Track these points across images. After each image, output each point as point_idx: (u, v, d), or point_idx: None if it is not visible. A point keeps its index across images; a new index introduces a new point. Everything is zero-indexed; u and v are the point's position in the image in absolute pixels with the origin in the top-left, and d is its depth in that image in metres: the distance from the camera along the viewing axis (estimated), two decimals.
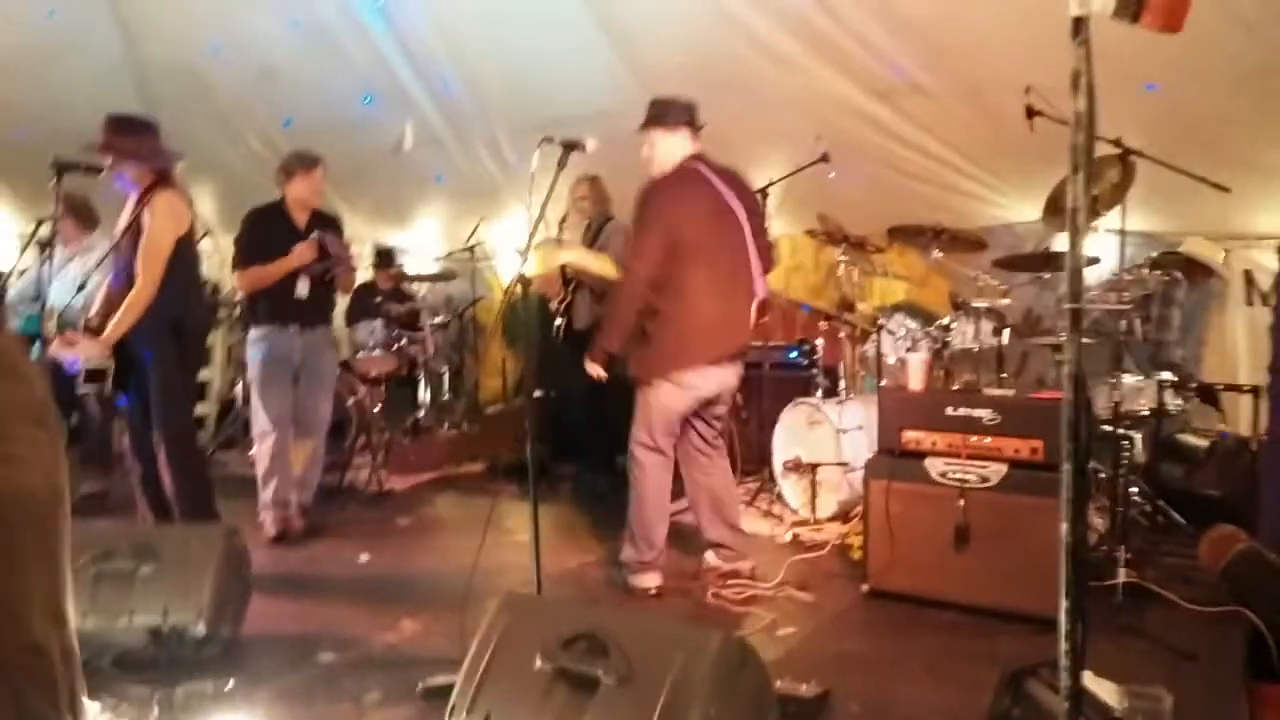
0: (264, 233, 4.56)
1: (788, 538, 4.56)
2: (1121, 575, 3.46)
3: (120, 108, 4.41)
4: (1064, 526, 1.71)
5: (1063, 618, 1.80)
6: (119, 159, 3.88)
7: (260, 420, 4.52)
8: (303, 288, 4.53)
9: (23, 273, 5.53)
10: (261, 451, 4.54)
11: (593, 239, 5.69)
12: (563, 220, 5.81)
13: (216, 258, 7.35)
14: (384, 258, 7.04)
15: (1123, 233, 3.66)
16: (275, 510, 4.51)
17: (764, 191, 5.12)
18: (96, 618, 2.74)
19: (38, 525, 1.30)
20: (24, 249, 5.22)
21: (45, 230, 4.80)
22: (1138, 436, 4.14)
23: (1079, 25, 1.47)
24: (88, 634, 2.74)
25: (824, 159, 5.03)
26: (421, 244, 7.78)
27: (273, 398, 4.52)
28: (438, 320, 6.66)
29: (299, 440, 4.65)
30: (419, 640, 3.30)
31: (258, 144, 7.37)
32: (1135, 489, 4.28)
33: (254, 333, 4.56)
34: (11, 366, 1.33)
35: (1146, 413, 4.09)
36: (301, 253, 4.49)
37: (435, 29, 6.03)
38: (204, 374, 6.74)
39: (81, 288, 4.60)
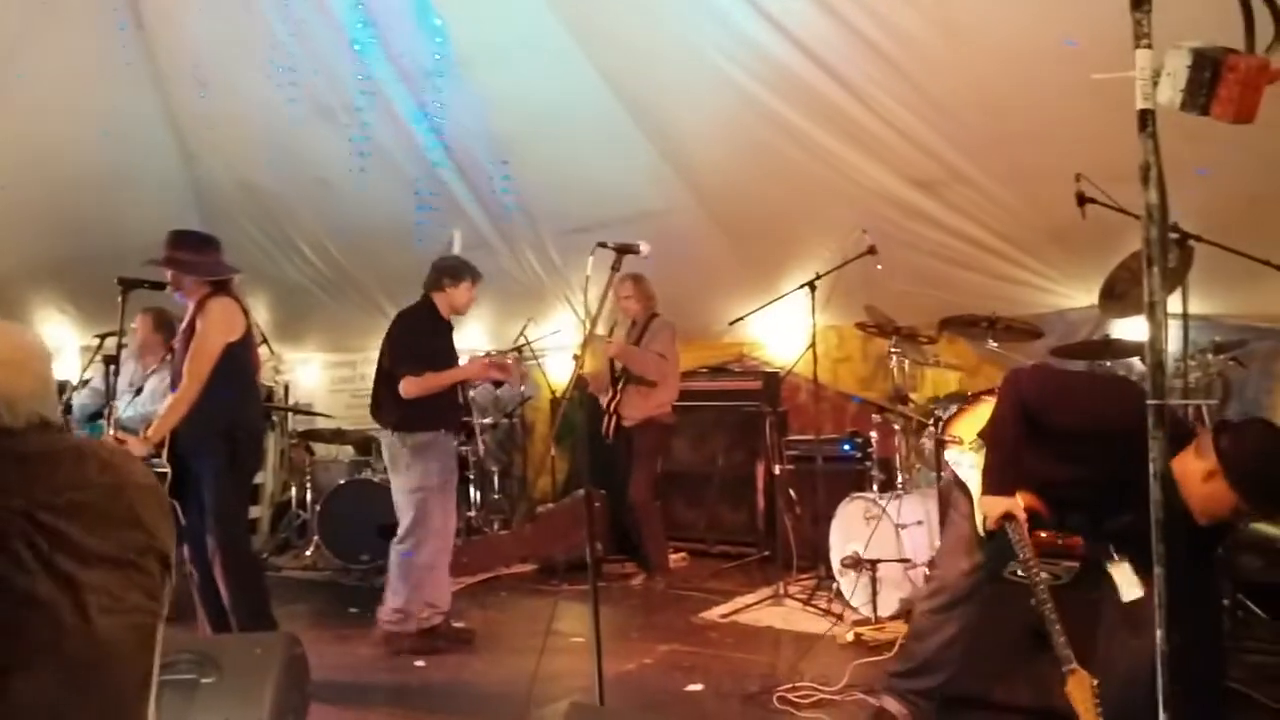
0: (430, 338, 4.56)
1: (849, 638, 4.41)
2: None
3: (180, 222, 4.60)
4: (1159, 634, 1.64)
5: None
6: (180, 273, 4.00)
7: (438, 525, 4.46)
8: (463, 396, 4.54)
9: (85, 383, 5.67)
10: (431, 554, 4.45)
11: (639, 335, 5.75)
12: (613, 327, 5.89)
13: (271, 364, 7.50)
14: None
15: (1186, 317, 3.60)
16: (424, 610, 4.45)
17: (812, 284, 5.15)
18: None
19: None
20: (89, 363, 5.37)
21: (110, 345, 4.96)
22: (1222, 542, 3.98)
23: (1145, 118, 1.46)
24: None
25: (870, 251, 5.04)
26: (469, 345, 7.89)
27: (452, 504, 4.56)
28: (487, 420, 6.69)
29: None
30: None
31: (311, 253, 7.59)
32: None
33: (422, 437, 4.43)
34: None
35: None
36: (483, 369, 4.71)
37: (481, 138, 6.22)
38: (257, 477, 6.80)
39: (138, 391, 4.71)
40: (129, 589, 1.26)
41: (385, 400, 4.51)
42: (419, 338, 4.54)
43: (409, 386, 4.39)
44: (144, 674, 1.30)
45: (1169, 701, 1.67)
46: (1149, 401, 1.53)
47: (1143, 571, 2.38)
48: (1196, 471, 2.45)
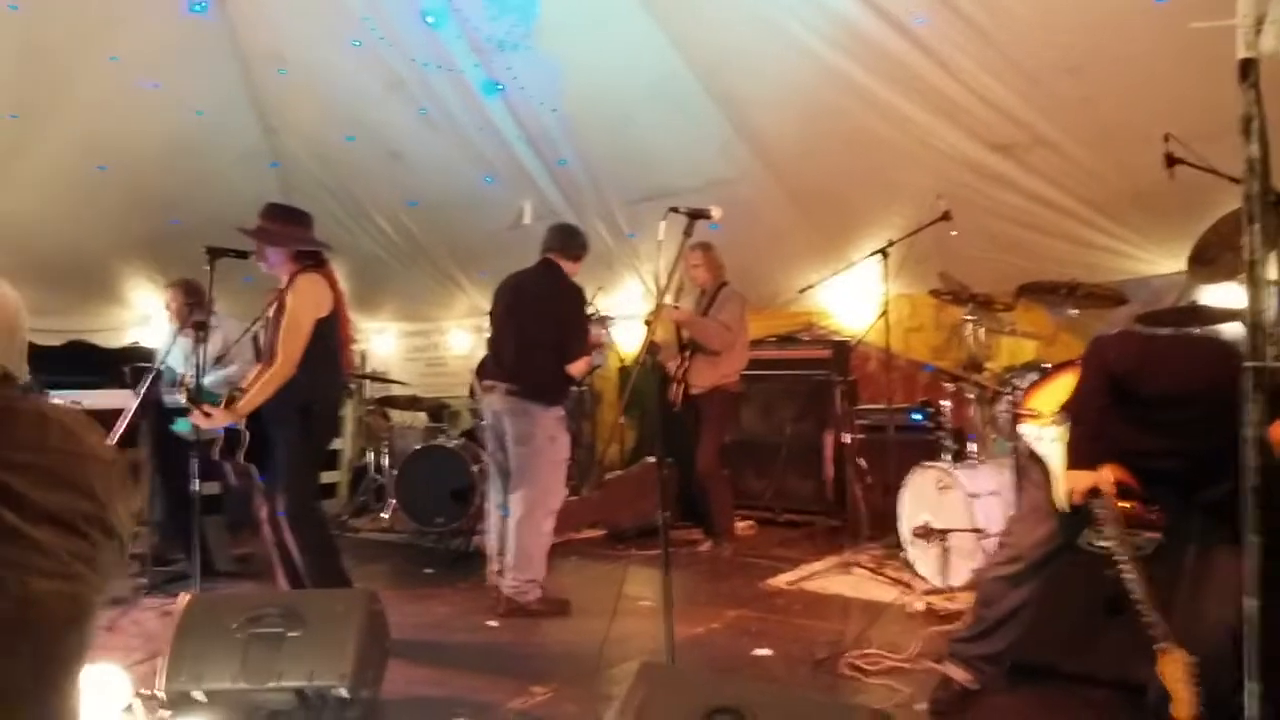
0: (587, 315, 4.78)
1: (920, 607, 4.39)
2: None
3: (261, 196, 4.71)
4: (1250, 602, 1.60)
5: (1247, 701, 1.68)
6: (268, 244, 4.10)
7: (562, 496, 4.68)
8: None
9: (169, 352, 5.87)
10: (552, 524, 4.62)
11: (708, 305, 5.74)
12: (680, 289, 5.89)
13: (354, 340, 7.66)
14: None
15: None
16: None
17: (885, 251, 5.07)
18: (247, 679, 2.84)
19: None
20: (178, 330, 5.55)
21: (199, 314, 5.14)
22: None
23: (1247, 68, 1.41)
24: (238, 695, 2.86)
25: (945, 217, 4.95)
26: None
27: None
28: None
29: None
30: (550, 707, 3.28)
31: (386, 224, 7.73)
32: None
33: (561, 410, 4.63)
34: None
35: None
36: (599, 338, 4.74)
37: (551, 109, 6.24)
38: (335, 444, 7.00)
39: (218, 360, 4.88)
40: (72, 556, 1.19)
41: (532, 371, 4.53)
42: (585, 316, 4.72)
43: (582, 366, 4.61)
44: (76, 648, 1.23)
45: (1254, 670, 1.63)
46: (1246, 363, 1.49)
47: (1233, 542, 2.31)
48: None
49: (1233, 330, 3.82)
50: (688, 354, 5.79)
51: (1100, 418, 2.71)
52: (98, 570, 1.23)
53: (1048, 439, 2.96)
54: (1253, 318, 1.41)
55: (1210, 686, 2.38)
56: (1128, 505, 2.75)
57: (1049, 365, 3.65)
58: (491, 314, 4.85)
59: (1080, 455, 2.73)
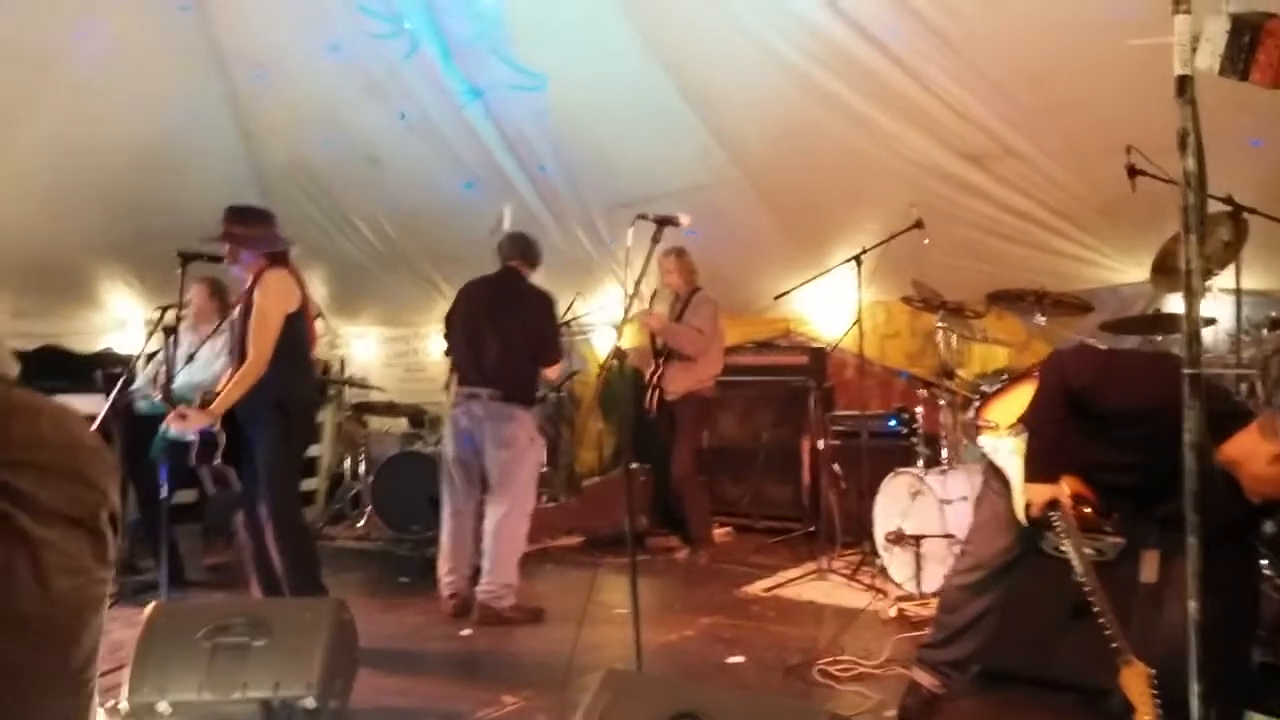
0: None
1: (892, 613, 4.42)
2: (1257, 655, 3.23)
3: (238, 200, 4.70)
4: (1192, 605, 1.63)
5: (1194, 703, 1.71)
6: (236, 246, 4.10)
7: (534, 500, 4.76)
8: None
9: (151, 356, 5.85)
10: (526, 527, 4.68)
11: (681, 310, 5.76)
12: (653, 294, 5.91)
13: (327, 338, 7.65)
14: None
15: (1239, 291, 3.53)
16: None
17: (858, 259, 5.12)
18: (212, 690, 2.82)
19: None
20: (150, 334, 5.53)
21: (170, 317, 5.12)
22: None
23: (1184, 84, 1.44)
24: (203, 706, 2.84)
25: (918, 225, 4.99)
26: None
27: None
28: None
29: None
30: (522, 715, 3.29)
31: (365, 229, 7.72)
32: (1265, 561, 4.01)
33: (535, 413, 4.79)
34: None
35: None
36: None
37: (531, 116, 6.25)
38: (313, 450, 6.97)
39: (190, 359, 4.87)
40: (84, 551, 1.19)
41: (514, 375, 4.61)
42: (557, 321, 4.87)
43: (557, 370, 4.78)
44: (96, 640, 1.23)
45: (1201, 672, 1.66)
46: (1185, 370, 1.52)
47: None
48: (1262, 454, 2.42)
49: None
50: (662, 360, 5.81)
51: (1058, 431, 2.73)
52: (107, 562, 1.22)
53: (1005, 450, 2.98)
54: (1189, 326, 1.45)
55: (1169, 693, 2.41)
56: (1087, 510, 2.78)
57: (1006, 377, 3.68)
58: (455, 320, 4.87)
59: (1039, 468, 2.75)
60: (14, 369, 1.32)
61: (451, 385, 4.77)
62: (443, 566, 4.66)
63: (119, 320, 7.61)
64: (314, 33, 6.10)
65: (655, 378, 5.76)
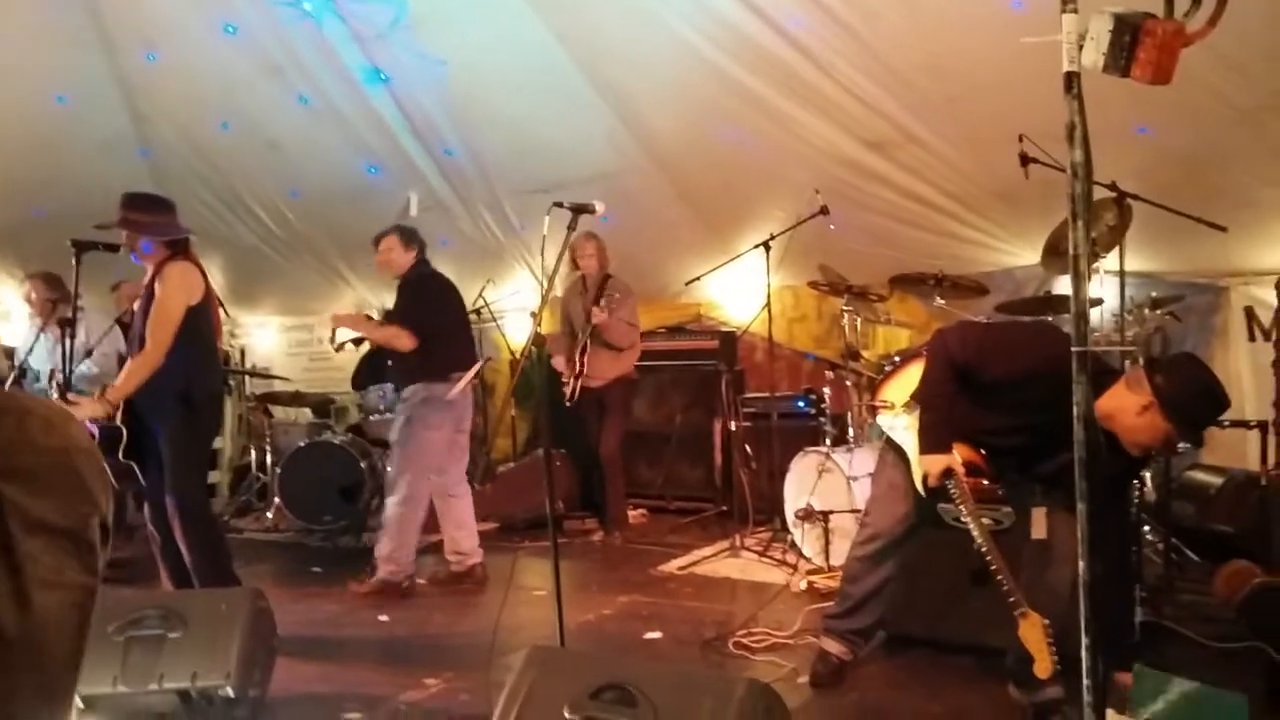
0: None
1: (802, 586, 4.57)
2: (1138, 614, 3.47)
3: (130, 185, 4.54)
4: (1081, 565, 1.76)
5: (1085, 655, 1.84)
6: (135, 235, 3.98)
7: None
8: None
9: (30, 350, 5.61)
10: None
11: (596, 294, 5.80)
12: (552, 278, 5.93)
13: (227, 327, 7.44)
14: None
15: (1122, 274, 3.74)
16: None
17: (767, 244, 5.24)
18: (127, 683, 2.76)
19: None
20: (41, 327, 5.30)
21: (58, 310, 4.95)
22: (1147, 475, 4.17)
23: (1071, 80, 1.55)
24: (119, 699, 2.78)
25: (823, 211, 5.14)
26: None
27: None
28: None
29: None
30: (444, 697, 3.30)
31: (265, 215, 7.52)
32: (1147, 527, 4.30)
33: None
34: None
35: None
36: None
37: (437, 99, 6.19)
38: (215, 442, 6.79)
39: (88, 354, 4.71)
40: (70, 562, 1.11)
41: None
42: None
43: None
44: (77, 654, 1.14)
45: (1089, 627, 1.79)
46: (1073, 349, 1.64)
47: (1068, 509, 2.53)
48: (1131, 406, 2.63)
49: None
50: (583, 354, 5.84)
51: (948, 403, 2.90)
52: (94, 572, 1.15)
53: (900, 427, 3.14)
54: (1077, 307, 1.56)
55: (1061, 643, 2.58)
56: (984, 482, 2.95)
57: (897, 359, 3.86)
58: (443, 309, 4.90)
59: (932, 440, 2.91)
60: (4, 369, 1.25)
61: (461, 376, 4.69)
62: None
63: (1, 312, 7.26)
64: (208, 12, 5.91)
65: (581, 367, 5.78)
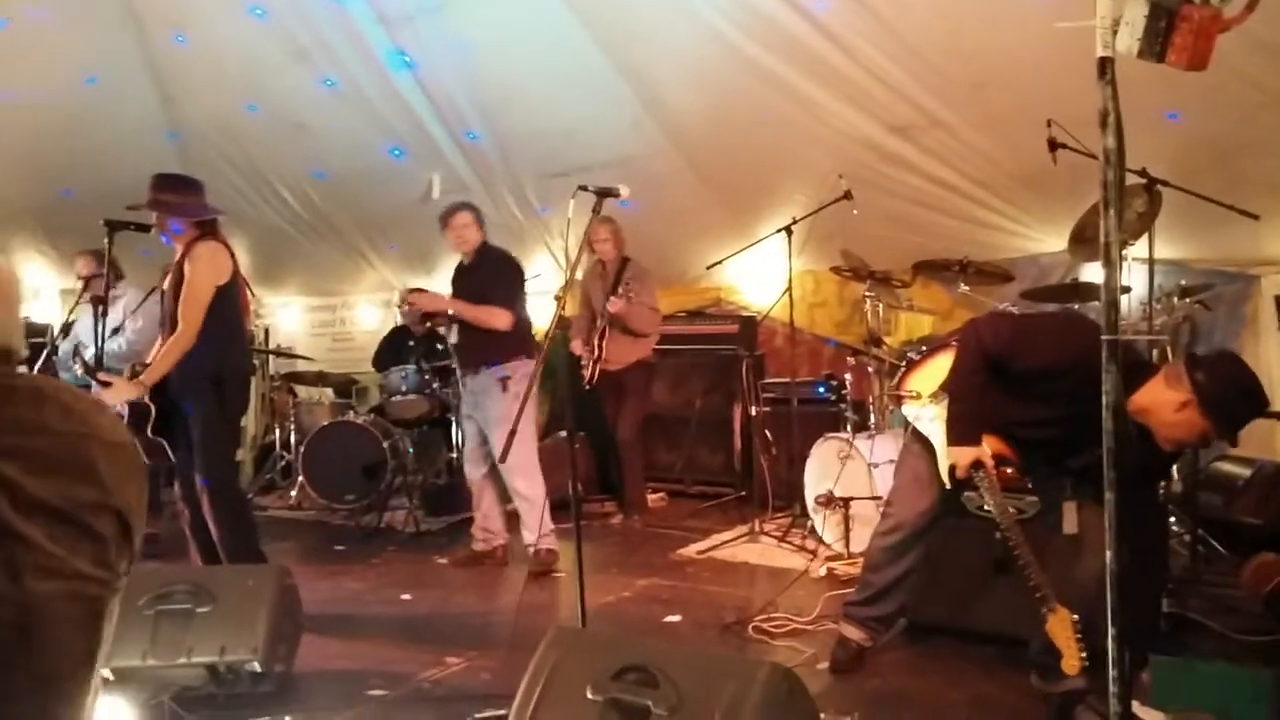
0: None
1: (822, 572, 4.57)
2: (1165, 605, 3.45)
3: (159, 166, 4.60)
4: (1109, 555, 1.75)
5: (1111, 645, 1.83)
6: (165, 215, 4.02)
7: None
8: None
9: (68, 327, 5.69)
10: None
11: (615, 279, 5.79)
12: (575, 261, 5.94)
13: (252, 307, 7.49)
14: None
15: (1151, 261, 3.70)
16: None
17: (789, 229, 5.22)
18: (156, 656, 2.82)
19: None
20: (74, 305, 5.37)
21: (98, 287, 4.99)
22: (1174, 466, 4.14)
23: (1105, 65, 1.53)
24: (148, 672, 2.84)
25: (846, 196, 5.10)
26: (449, 289, 7.91)
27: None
28: None
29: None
30: (466, 676, 3.34)
31: (290, 196, 7.56)
32: (1174, 519, 4.26)
33: None
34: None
35: None
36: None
37: (461, 82, 6.19)
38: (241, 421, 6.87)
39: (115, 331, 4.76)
40: (73, 551, 1.07)
41: None
42: None
43: None
44: (85, 653, 1.11)
45: (1115, 617, 1.79)
46: (1103, 337, 1.62)
47: (1098, 502, 2.51)
48: (1169, 402, 2.59)
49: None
50: (601, 339, 5.84)
51: (979, 394, 2.88)
52: (105, 564, 1.11)
53: (927, 418, 3.12)
54: (1108, 295, 1.55)
55: (1091, 637, 2.57)
56: (1009, 471, 2.93)
57: (924, 348, 3.84)
58: (524, 285, 5.05)
59: (961, 431, 2.89)
60: (22, 347, 1.24)
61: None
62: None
63: (32, 290, 7.35)
64: None
65: (599, 351, 5.79)
